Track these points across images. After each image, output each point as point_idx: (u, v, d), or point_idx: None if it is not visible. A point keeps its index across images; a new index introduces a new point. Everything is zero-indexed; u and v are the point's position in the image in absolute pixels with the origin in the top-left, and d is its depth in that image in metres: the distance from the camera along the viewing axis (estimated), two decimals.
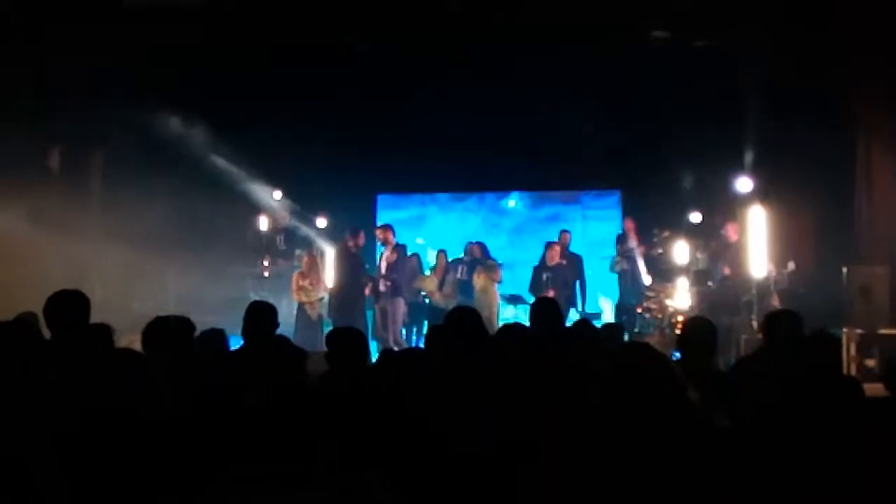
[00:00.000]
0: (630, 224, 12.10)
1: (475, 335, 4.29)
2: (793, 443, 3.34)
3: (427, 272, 12.15)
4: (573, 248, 12.34)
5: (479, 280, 11.61)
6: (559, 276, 11.48)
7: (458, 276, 11.80)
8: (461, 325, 4.38)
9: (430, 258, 12.76)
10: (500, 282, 11.78)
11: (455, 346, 4.15)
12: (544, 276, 11.56)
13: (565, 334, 5.16)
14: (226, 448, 3.21)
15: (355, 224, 11.95)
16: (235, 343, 6.12)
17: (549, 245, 11.88)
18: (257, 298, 8.25)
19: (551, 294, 10.59)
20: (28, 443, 3.18)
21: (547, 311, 5.16)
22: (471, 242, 12.18)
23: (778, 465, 3.14)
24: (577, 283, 11.87)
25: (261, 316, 5.33)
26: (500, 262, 12.12)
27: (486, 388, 3.52)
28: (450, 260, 12.24)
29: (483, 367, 3.83)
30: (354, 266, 11.44)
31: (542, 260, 11.71)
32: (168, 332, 4.48)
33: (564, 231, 12.19)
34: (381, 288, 11.29)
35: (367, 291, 11.42)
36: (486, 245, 12.22)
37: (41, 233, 10.31)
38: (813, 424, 3.45)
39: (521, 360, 4.29)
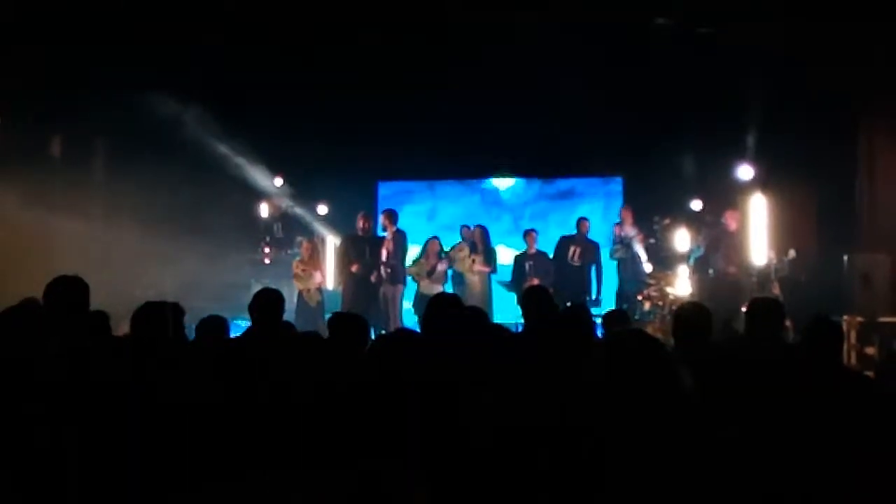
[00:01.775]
0: (627, 212, 12.11)
1: (455, 321, 4.32)
2: (790, 430, 3.36)
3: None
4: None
5: (467, 266, 11.59)
6: (540, 265, 11.52)
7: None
8: (440, 313, 4.41)
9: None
10: (492, 271, 11.74)
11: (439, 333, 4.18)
12: (526, 265, 11.60)
13: (559, 320, 5.17)
14: (242, 438, 3.22)
15: (355, 211, 11.95)
16: (235, 330, 6.14)
17: (527, 233, 11.94)
18: (258, 285, 8.26)
19: (535, 282, 10.62)
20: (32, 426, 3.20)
21: (537, 298, 5.19)
22: (473, 226, 12.07)
23: (777, 454, 3.15)
24: (594, 269, 11.85)
25: (271, 303, 5.27)
26: (494, 248, 12.09)
27: (479, 374, 3.54)
28: (455, 244, 12.15)
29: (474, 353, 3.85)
30: (366, 251, 11.37)
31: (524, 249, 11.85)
32: (158, 317, 4.50)
33: (583, 219, 12.01)
34: (382, 274, 11.30)
35: (372, 278, 11.43)
36: (489, 230, 12.10)
37: (43, 219, 10.35)
38: (812, 415, 3.46)
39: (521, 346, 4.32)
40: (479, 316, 4.53)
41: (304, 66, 11.86)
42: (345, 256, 11.53)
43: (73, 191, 11.24)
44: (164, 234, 11.24)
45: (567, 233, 12.11)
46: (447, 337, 4.16)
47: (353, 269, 11.24)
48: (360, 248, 11.40)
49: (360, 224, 11.53)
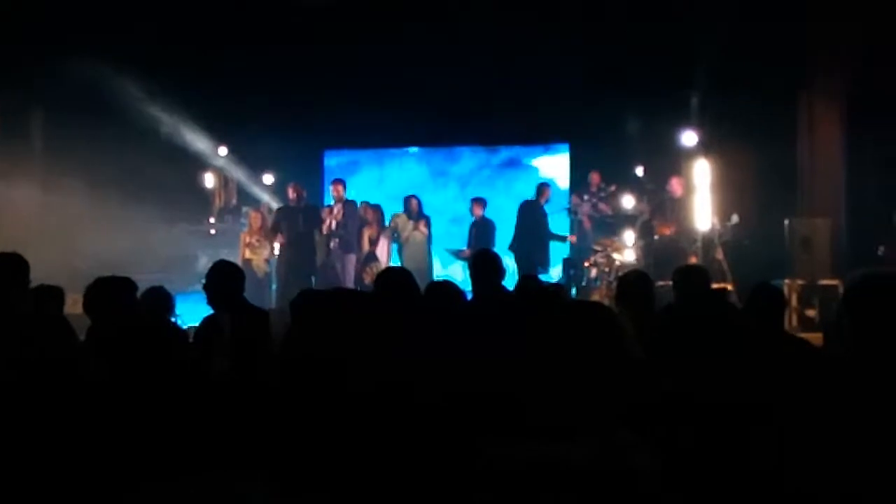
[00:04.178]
0: (595, 175, 12.20)
1: (406, 294, 4.26)
2: (737, 397, 3.41)
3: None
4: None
5: (410, 230, 11.56)
6: (482, 232, 11.59)
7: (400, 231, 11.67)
8: (392, 286, 4.35)
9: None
10: (427, 235, 11.64)
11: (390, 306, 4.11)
12: (475, 231, 11.70)
13: (509, 290, 5.17)
14: (199, 418, 3.15)
15: (302, 180, 11.88)
16: (181, 302, 6.04)
17: (473, 200, 12.07)
18: (204, 257, 8.16)
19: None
20: None
21: (487, 264, 5.11)
22: (408, 196, 11.98)
23: (725, 423, 3.20)
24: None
25: (229, 276, 5.08)
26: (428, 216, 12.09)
27: (429, 344, 3.52)
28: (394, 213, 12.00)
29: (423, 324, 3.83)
30: (299, 220, 11.27)
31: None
32: (110, 292, 4.42)
33: (545, 184, 11.94)
34: (331, 245, 11.23)
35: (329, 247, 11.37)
36: (421, 198, 12.02)
37: None
38: (756, 377, 3.51)
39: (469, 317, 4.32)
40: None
41: (248, 32, 11.66)
42: (276, 227, 11.38)
43: (11, 164, 10.99)
44: (106, 206, 11.04)
45: (521, 199, 12.03)
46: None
47: (279, 240, 11.21)
48: (293, 219, 11.27)
49: (291, 194, 11.43)
